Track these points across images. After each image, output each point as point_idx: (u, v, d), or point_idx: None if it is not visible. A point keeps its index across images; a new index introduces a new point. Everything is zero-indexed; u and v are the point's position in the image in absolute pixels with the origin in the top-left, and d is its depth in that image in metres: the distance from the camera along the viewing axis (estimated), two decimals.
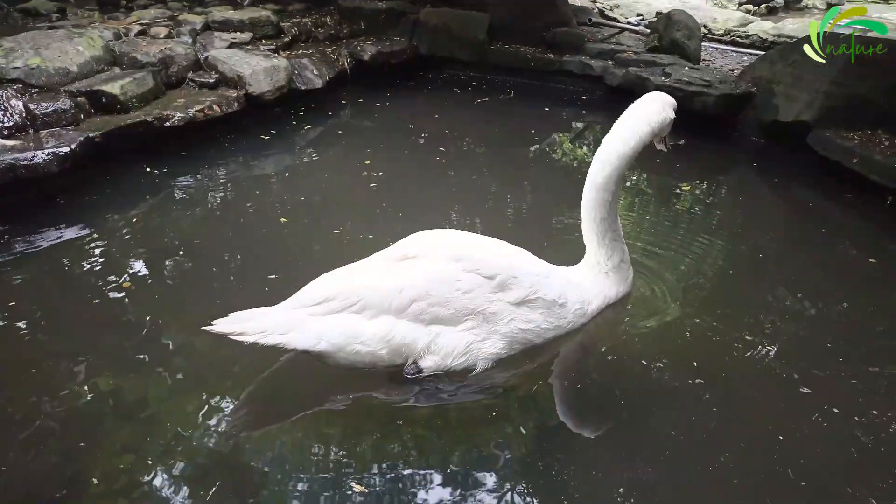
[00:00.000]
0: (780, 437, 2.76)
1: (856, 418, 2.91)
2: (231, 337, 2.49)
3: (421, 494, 2.41)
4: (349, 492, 2.37)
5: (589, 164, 3.22)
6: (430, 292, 2.70)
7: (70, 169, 4.35)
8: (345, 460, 2.53)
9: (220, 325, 2.51)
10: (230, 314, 2.58)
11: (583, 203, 3.24)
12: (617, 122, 3.16)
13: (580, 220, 3.36)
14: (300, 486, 2.40)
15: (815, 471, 2.62)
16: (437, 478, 2.48)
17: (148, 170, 4.91)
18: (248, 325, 2.53)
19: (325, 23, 8.03)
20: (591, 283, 3.25)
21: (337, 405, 2.82)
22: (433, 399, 2.80)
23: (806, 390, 3.05)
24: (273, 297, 3.38)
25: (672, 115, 3.16)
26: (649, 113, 3.10)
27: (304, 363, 2.88)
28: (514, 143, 6.50)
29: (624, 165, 3.08)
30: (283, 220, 4.29)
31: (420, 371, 2.78)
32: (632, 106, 3.17)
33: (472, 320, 2.79)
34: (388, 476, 2.48)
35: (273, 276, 3.61)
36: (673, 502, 2.49)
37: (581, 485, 2.51)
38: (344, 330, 2.64)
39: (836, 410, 2.94)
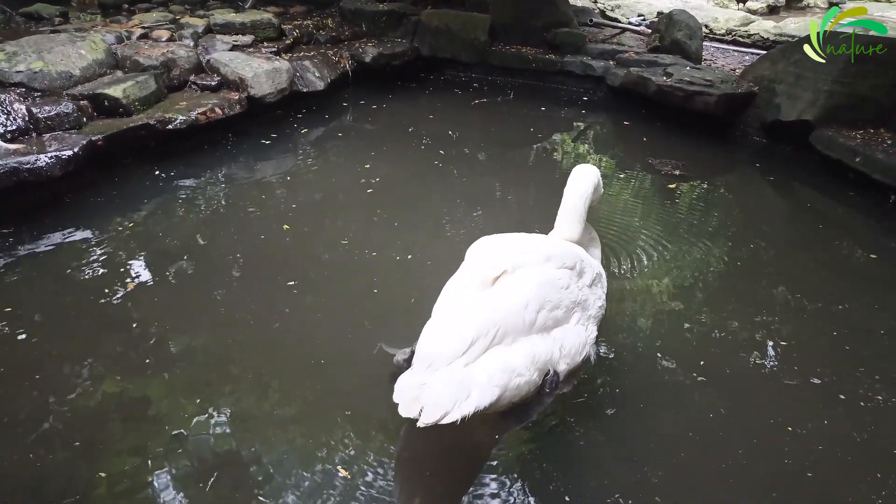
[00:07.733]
0: (788, 428, 2.77)
1: (861, 404, 2.94)
2: (440, 422, 2.23)
3: (420, 493, 2.41)
4: (348, 488, 2.38)
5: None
6: (547, 298, 2.68)
7: (73, 172, 4.37)
8: (345, 459, 2.53)
9: (426, 417, 2.21)
10: (396, 396, 2.26)
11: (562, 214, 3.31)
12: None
13: None
14: (301, 484, 2.41)
15: (821, 463, 2.63)
16: (437, 477, 2.48)
17: (151, 172, 4.92)
18: (439, 401, 2.24)
19: (327, 25, 8.06)
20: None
21: (338, 404, 2.82)
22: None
23: (816, 381, 3.07)
24: (296, 304, 3.45)
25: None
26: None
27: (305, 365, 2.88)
28: (515, 145, 6.50)
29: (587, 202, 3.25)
30: (286, 226, 4.28)
31: (559, 378, 2.74)
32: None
33: (578, 313, 2.86)
34: (387, 474, 2.48)
35: (292, 283, 3.62)
36: (679, 498, 2.48)
37: (583, 483, 2.51)
38: (501, 366, 2.46)
39: (842, 397, 2.98)
